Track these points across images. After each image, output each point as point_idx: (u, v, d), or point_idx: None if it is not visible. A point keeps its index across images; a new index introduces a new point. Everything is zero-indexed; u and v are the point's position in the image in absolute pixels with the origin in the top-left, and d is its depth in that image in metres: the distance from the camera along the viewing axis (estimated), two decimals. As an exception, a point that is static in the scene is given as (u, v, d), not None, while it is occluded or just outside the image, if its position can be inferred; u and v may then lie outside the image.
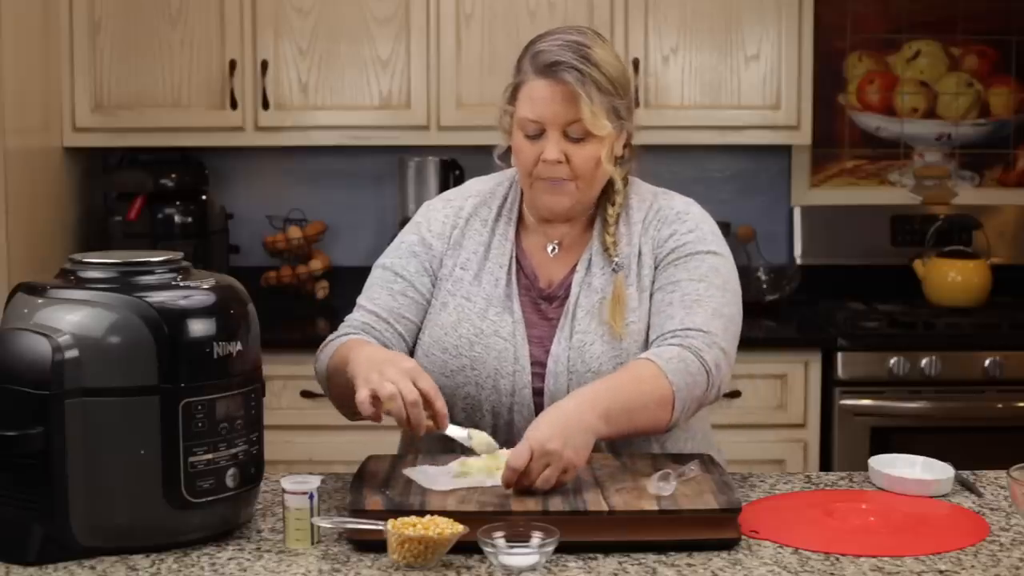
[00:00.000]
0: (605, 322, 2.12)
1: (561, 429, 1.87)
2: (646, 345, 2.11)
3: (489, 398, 2.12)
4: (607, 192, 2.18)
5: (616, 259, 2.15)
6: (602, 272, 2.16)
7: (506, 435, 2.12)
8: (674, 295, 2.11)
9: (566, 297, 2.16)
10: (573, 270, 2.18)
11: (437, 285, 2.19)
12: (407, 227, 2.27)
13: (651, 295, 2.14)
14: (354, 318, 2.19)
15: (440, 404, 1.92)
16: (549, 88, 2.06)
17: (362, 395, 1.90)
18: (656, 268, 2.15)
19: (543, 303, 2.18)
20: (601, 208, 2.19)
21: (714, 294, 2.11)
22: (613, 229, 2.16)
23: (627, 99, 2.13)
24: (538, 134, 2.09)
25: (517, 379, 2.11)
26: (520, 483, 1.86)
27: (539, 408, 2.10)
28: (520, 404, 2.12)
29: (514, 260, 2.18)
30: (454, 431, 1.97)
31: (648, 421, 2.01)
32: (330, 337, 2.18)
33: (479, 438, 1.99)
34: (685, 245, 2.14)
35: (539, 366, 2.13)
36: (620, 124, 2.11)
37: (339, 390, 2.07)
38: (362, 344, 2.08)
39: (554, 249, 2.20)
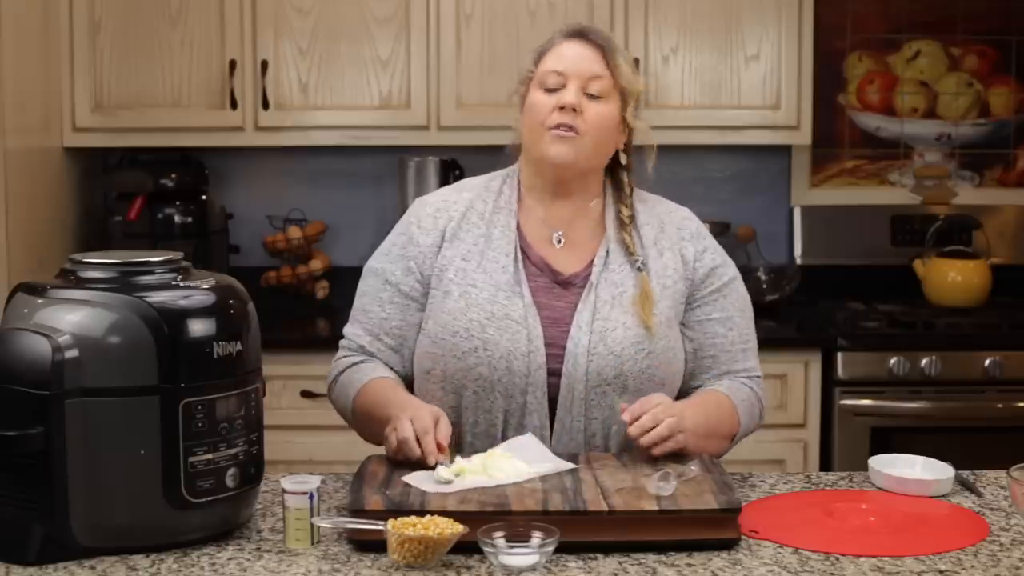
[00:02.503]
0: (631, 314, 2.16)
1: (698, 423, 2.10)
2: (666, 335, 2.17)
3: (502, 380, 2.14)
4: (619, 191, 2.25)
5: (640, 259, 2.20)
6: (620, 268, 2.20)
7: (519, 418, 2.15)
8: (732, 333, 2.26)
9: (583, 286, 2.19)
10: (590, 264, 2.21)
11: (436, 276, 2.21)
12: (398, 225, 2.31)
13: (691, 309, 2.24)
14: (351, 337, 2.27)
15: (425, 441, 1.99)
16: (578, 47, 2.20)
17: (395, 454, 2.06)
18: (693, 282, 2.24)
19: (557, 288, 2.20)
20: (612, 207, 2.25)
21: (752, 328, 2.30)
22: (631, 229, 2.22)
23: (638, 89, 2.23)
24: (558, 87, 2.17)
25: (532, 360, 2.13)
26: (635, 414, 2.03)
27: (553, 389, 2.14)
28: (534, 386, 2.13)
29: (518, 249, 2.21)
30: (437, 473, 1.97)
31: (715, 448, 2.18)
32: (338, 366, 2.27)
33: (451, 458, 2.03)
34: (716, 269, 2.26)
35: (555, 348, 2.15)
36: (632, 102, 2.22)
37: (374, 438, 2.20)
38: (374, 395, 2.17)
39: (559, 240, 2.23)
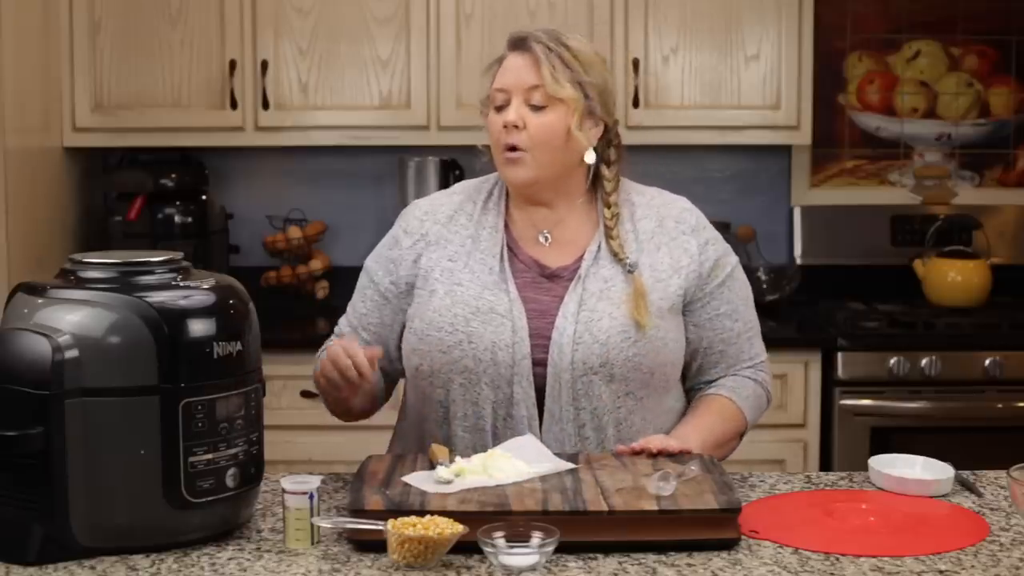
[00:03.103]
0: (618, 307, 2.15)
1: (706, 440, 2.18)
2: (656, 325, 2.15)
3: (487, 371, 2.15)
4: (603, 190, 2.23)
5: (628, 260, 2.19)
6: (611, 264, 2.19)
7: (506, 409, 2.15)
8: (738, 324, 2.27)
9: (570, 279, 2.19)
10: (580, 259, 2.21)
11: (421, 276, 2.23)
12: (392, 226, 2.34)
13: (701, 306, 2.23)
14: (339, 326, 2.33)
15: (354, 352, 2.04)
16: (517, 59, 2.19)
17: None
18: (701, 276, 2.22)
19: (545, 281, 2.20)
20: (601, 203, 2.23)
21: (754, 312, 2.32)
22: (616, 232, 2.20)
23: (600, 84, 2.18)
24: (505, 104, 2.18)
25: (517, 350, 2.14)
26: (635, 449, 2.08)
27: (539, 379, 2.14)
28: (520, 376, 2.14)
29: (505, 248, 2.22)
30: (437, 471, 1.97)
31: (725, 452, 2.26)
32: (323, 348, 2.29)
33: (437, 451, 2.03)
34: (720, 260, 2.26)
35: (540, 338, 2.15)
36: (587, 103, 2.16)
37: (335, 408, 2.25)
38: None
39: (546, 239, 2.23)
